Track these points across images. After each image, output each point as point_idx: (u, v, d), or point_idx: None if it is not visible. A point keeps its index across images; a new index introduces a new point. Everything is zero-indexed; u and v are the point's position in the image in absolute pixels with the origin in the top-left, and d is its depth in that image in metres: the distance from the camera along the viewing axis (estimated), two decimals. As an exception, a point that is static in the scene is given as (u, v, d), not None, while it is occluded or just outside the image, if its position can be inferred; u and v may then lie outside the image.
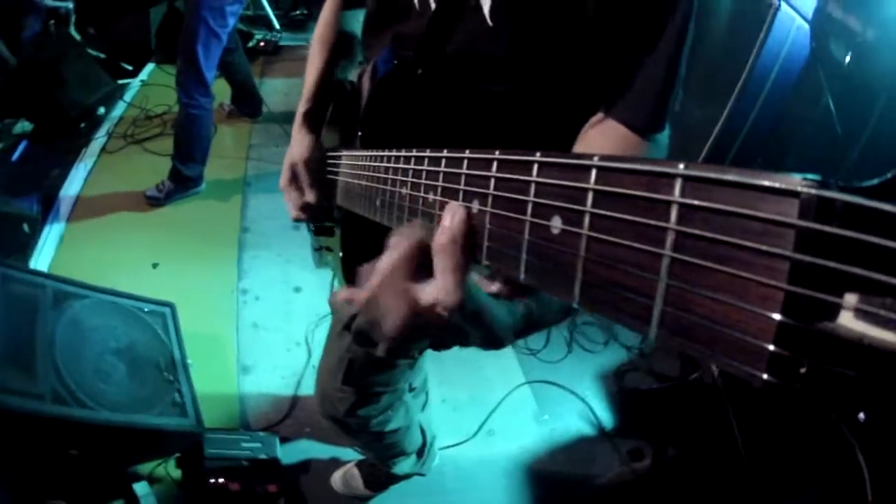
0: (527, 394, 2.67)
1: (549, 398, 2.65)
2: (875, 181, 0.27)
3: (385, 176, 0.80)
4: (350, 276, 1.05)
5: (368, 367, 1.49)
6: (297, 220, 1.32)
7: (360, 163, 0.95)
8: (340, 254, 1.06)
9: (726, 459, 1.70)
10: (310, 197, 1.27)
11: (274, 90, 4.91)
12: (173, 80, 3.46)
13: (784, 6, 1.88)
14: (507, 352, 2.85)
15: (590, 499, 2.27)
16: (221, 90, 4.46)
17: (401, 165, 0.74)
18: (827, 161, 1.85)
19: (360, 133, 1.04)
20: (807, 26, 1.95)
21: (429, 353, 1.78)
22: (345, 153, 1.10)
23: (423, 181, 0.67)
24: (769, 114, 1.95)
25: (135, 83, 4.77)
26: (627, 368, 2.75)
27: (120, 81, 4.61)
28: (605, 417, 2.57)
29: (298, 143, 1.30)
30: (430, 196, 0.65)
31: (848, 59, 1.79)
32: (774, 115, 1.97)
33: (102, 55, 4.77)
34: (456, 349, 2.68)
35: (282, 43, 5.73)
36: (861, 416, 0.28)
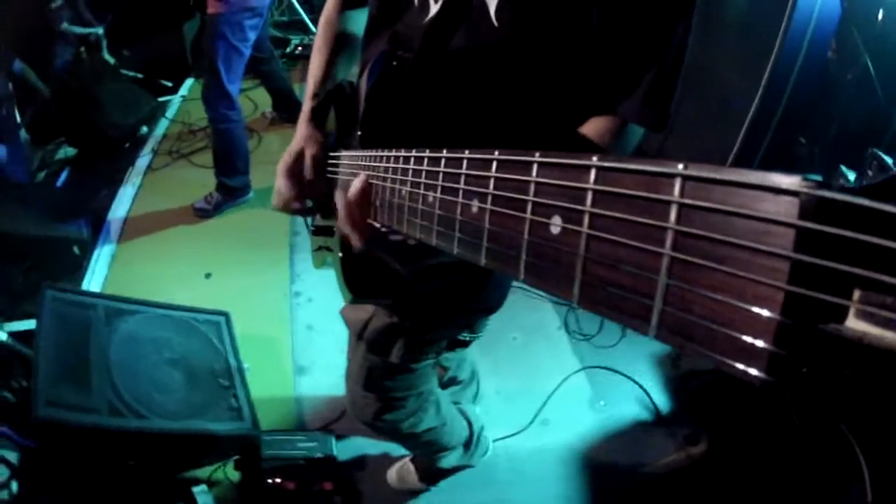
0: (582, 380, 2.65)
1: (605, 384, 2.63)
2: (875, 181, 0.27)
3: (385, 176, 0.81)
4: (350, 276, 1.06)
5: (387, 373, 1.51)
6: (285, 210, 1.32)
7: (359, 163, 0.96)
8: (340, 254, 1.06)
9: (783, 444, 1.66)
10: (311, 192, 1.27)
11: (313, 94, 4.94)
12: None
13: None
14: (561, 338, 2.84)
15: (645, 484, 2.25)
16: (263, 98, 4.55)
17: (400, 165, 0.75)
18: (870, 125, 1.78)
19: (359, 133, 1.04)
20: (834, -16, 1.87)
21: (478, 344, 1.78)
22: (344, 153, 1.10)
23: (422, 181, 0.68)
24: (809, 78, 1.88)
25: (175, 99, 4.86)
26: (683, 351, 2.69)
27: (160, 99, 4.70)
28: (662, 402, 2.52)
29: (307, 137, 1.29)
30: (430, 196, 0.65)
31: (881, 16, 1.71)
32: (814, 80, 1.89)
33: (139, 75, 4.86)
34: (508, 340, 2.69)
35: (319, 46, 5.76)
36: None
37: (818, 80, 1.89)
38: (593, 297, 0.42)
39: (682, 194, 0.35)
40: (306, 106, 1.33)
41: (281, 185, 1.31)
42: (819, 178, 0.29)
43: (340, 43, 1.36)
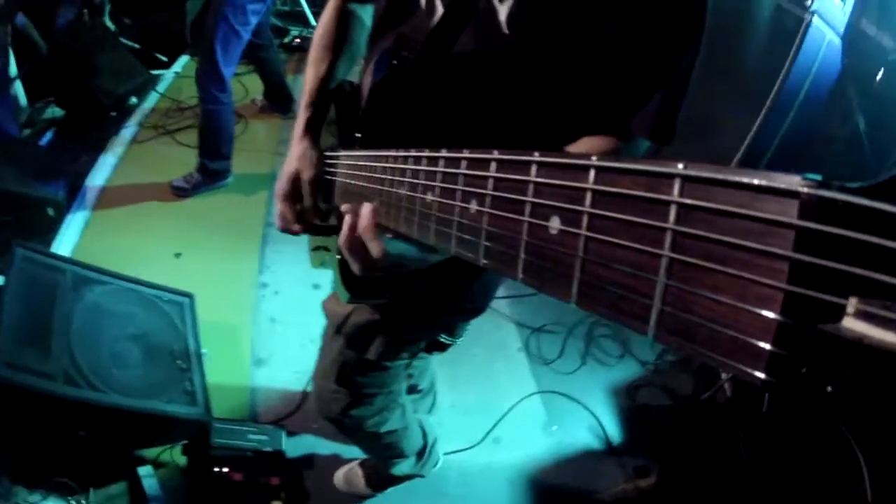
0: (537, 403, 2.66)
1: (559, 409, 2.64)
2: (875, 181, 0.27)
3: (383, 176, 0.81)
4: (348, 276, 1.06)
5: (360, 369, 1.50)
6: (285, 231, 1.30)
7: (358, 163, 0.96)
8: (338, 255, 1.06)
9: (731, 481, 1.68)
10: (309, 214, 1.25)
11: (308, 87, 4.93)
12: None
13: (816, 20, 1.84)
14: (521, 360, 2.85)
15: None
16: (255, 85, 4.52)
17: (399, 166, 0.74)
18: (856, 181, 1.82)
19: (358, 134, 1.04)
20: (838, 42, 1.91)
21: (438, 356, 1.78)
22: (343, 153, 1.10)
23: (421, 181, 0.68)
24: (800, 130, 1.92)
25: (168, 74, 4.79)
26: (640, 384, 2.72)
27: (153, 72, 4.63)
28: (614, 432, 2.54)
29: (302, 157, 1.26)
30: (429, 196, 0.65)
31: (879, 77, 1.75)
32: (805, 132, 1.93)
33: (137, 45, 4.79)
34: (469, 355, 2.69)
35: (318, 39, 5.74)
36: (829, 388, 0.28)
37: (809, 132, 1.93)
38: (591, 298, 0.42)
39: (681, 194, 0.35)
40: (301, 118, 1.29)
41: (281, 209, 1.29)
42: (819, 177, 0.29)
43: (340, 46, 1.33)
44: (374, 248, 0.85)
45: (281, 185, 1.28)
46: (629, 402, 2.66)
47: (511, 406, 2.60)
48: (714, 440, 1.91)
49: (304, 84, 1.33)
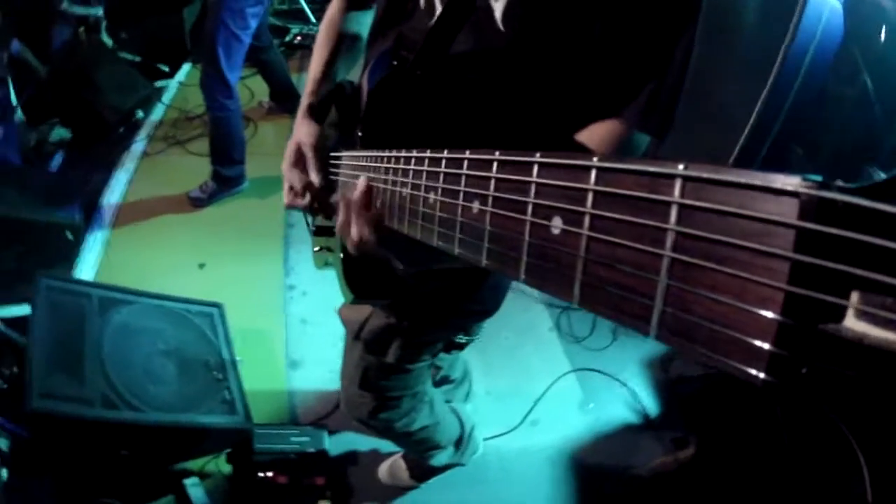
0: (572, 382, 2.66)
1: (595, 386, 2.64)
2: (875, 181, 0.27)
3: (385, 177, 0.81)
4: (351, 276, 1.06)
5: (382, 373, 1.52)
6: (292, 205, 1.31)
7: (360, 163, 0.96)
8: (341, 255, 1.06)
9: (770, 448, 1.67)
10: (315, 179, 1.25)
11: (312, 85, 4.92)
12: (208, 80, 3.49)
13: (816, -13, 1.81)
14: (553, 339, 2.85)
15: (633, 487, 2.25)
16: (260, 87, 4.52)
17: (401, 166, 0.75)
18: (867, 142, 1.79)
19: (360, 134, 1.04)
20: (839, 5, 1.88)
21: (472, 344, 1.79)
22: (345, 154, 1.10)
23: (423, 182, 0.68)
24: (808, 95, 1.89)
25: (172, 84, 4.79)
26: (673, 356, 2.71)
27: (157, 84, 4.62)
28: (651, 405, 2.54)
29: (304, 130, 1.29)
30: (431, 196, 0.65)
31: (883, 36, 1.72)
32: (813, 97, 1.90)
33: (137, 58, 4.79)
34: (500, 340, 2.69)
35: (319, 36, 5.74)
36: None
37: (818, 96, 1.90)
38: (594, 298, 0.42)
39: (682, 195, 0.35)
40: (304, 103, 1.32)
41: (288, 177, 1.31)
42: (819, 178, 0.29)
43: (342, 42, 1.36)
44: (360, 225, 0.87)
45: (285, 158, 1.31)
46: (663, 374, 2.65)
47: (546, 387, 2.60)
48: (750, 407, 1.90)
49: (307, 77, 1.36)
